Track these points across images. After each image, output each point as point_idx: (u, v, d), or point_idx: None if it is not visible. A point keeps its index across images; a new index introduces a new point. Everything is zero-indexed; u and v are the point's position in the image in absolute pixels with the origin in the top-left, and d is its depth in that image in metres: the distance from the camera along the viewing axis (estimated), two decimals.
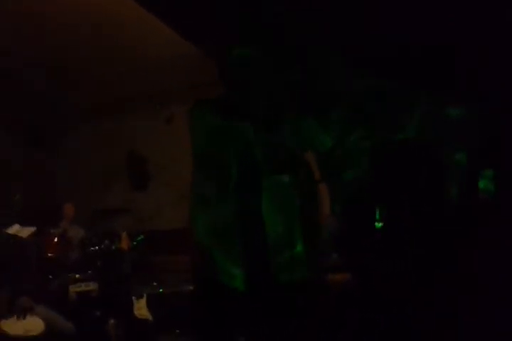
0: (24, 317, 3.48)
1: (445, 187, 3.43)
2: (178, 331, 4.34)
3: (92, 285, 4.52)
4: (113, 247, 4.92)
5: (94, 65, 5.28)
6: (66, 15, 4.35)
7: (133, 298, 4.29)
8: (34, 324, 3.49)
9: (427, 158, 3.47)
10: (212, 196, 2.07)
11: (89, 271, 4.71)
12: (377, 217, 3.36)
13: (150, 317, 4.32)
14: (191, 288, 4.50)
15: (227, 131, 2.03)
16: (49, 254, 4.77)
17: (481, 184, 3.49)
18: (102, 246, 4.91)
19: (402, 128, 3.55)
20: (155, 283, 4.79)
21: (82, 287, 4.48)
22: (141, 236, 5.02)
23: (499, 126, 3.42)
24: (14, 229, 4.48)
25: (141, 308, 4.27)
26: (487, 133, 3.46)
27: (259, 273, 2.02)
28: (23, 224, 4.59)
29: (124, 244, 4.89)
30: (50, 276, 4.59)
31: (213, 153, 2.02)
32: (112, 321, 4.21)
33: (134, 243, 4.95)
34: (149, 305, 4.31)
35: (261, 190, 2.12)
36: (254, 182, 2.09)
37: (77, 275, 4.58)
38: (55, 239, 4.90)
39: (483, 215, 3.34)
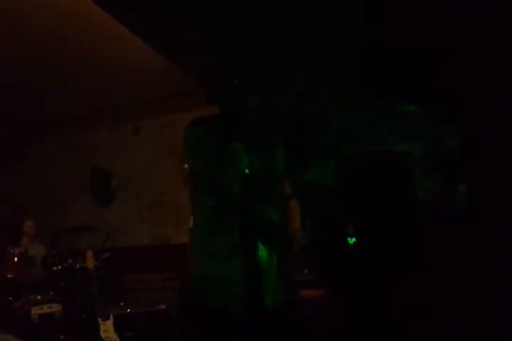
0: None
1: (417, 199, 3.52)
2: None
3: (56, 307, 4.46)
4: (77, 266, 4.87)
5: (60, 74, 5.22)
6: (32, 20, 4.27)
7: (99, 319, 4.24)
8: None
9: (398, 169, 3.56)
10: (212, 217, 2.13)
11: (52, 292, 4.65)
12: (350, 231, 3.42)
13: (117, 340, 4.27)
14: (162, 307, 4.48)
15: (227, 151, 2.11)
16: (9, 275, 4.69)
17: (455, 195, 3.59)
18: (66, 265, 4.85)
19: (371, 140, 3.65)
20: (122, 303, 4.74)
21: (45, 309, 4.42)
22: (107, 254, 4.96)
23: (474, 136, 3.52)
24: None
25: (107, 330, 4.22)
26: (461, 144, 3.57)
27: (257, 297, 2.06)
28: None
29: (89, 263, 4.82)
30: (11, 298, 4.52)
31: (213, 172, 2.08)
32: None
33: (100, 261, 4.88)
34: (116, 327, 4.27)
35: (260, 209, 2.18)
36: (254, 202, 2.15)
37: (39, 297, 4.52)
38: (15, 259, 4.82)
39: (457, 226, 3.43)
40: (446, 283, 3.24)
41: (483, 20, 3.13)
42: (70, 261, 4.86)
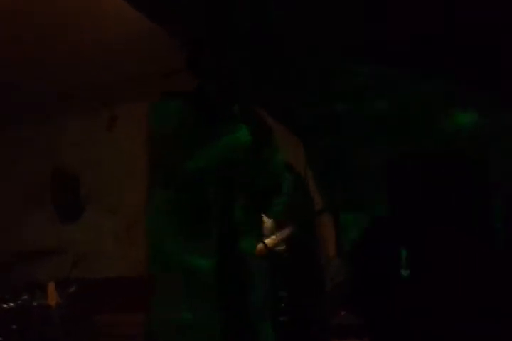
0: None
1: (493, 217, 3.55)
2: None
3: None
4: (34, 303, 4.92)
5: (11, 48, 5.29)
6: None
7: None
8: None
9: (470, 176, 3.59)
10: (180, 230, 2.17)
11: (1, 338, 4.69)
12: (403, 261, 3.47)
13: None
14: None
15: (206, 137, 2.14)
16: None
17: None
18: (19, 301, 4.90)
19: (433, 136, 3.69)
20: None
21: None
22: (74, 287, 5.02)
23: None
24: None
25: None
26: None
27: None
28: None
29: (51, 299, 4.89)
30: None
31: (184, 167, 2.11)
32: None
33: (64, 297, 4.94)
34: None
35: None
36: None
37: None
38: None
39: None
40: None
41: None
42: (25, 296, 4.91)
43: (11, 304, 4.88)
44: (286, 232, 4.76)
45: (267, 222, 4.87)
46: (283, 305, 4.33)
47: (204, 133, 2.15)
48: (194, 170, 2.08)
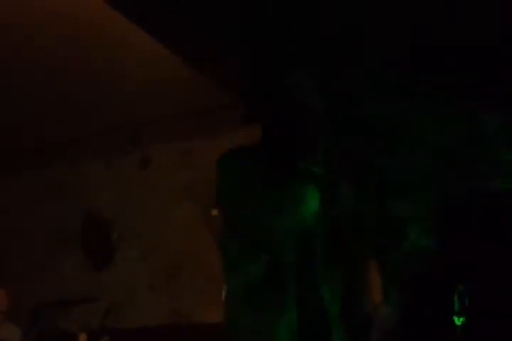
0: None
1: None
2: None
3: None
4: None
5: (38, 88, 5.35)
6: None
7: None
8: None
9: None
10: (256, 285, 2.09)
11: None
12: (457, 307, 3.27)
13: None
14: None
15: (280, 192, 2.07)
16: None
17: None
18: None
19: (489, 174, 3.53)
20: None
21: None
22: (107, 338, 4.92)
23: None
24: None
25: None
26: None
27: None
28: None
29: None
30: None
31: (259, 221, 2.07)
32: None
33: None
34: None
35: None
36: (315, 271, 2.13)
37: None
38: None
39: None
40: None
41: None
42: None
43: None
44: None
45: None
46: None
47: (271, 195, 2.11)
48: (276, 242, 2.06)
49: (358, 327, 3.55)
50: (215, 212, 2.29)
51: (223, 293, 2.22)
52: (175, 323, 5.70)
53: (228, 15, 3.32)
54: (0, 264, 6.45)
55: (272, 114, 2.19)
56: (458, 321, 3.25)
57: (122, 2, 3.80)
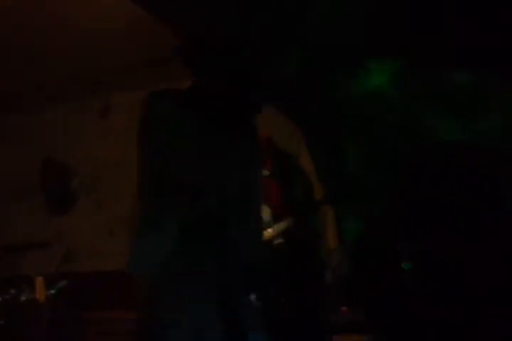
0: None
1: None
2: None
3: None
4: (23, 298, 4.87)
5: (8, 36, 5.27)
6: None
7: None
8: None
9: (476, 165, 3.53)
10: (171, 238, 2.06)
11: None
12: (404, 254, 3.42)
13: None
14: None
15: (205, 141, 2.01)
16: None
17: None
18: (7, 296, 4.86)
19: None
20: None
21: None
22: (64, 282, 4.96)
23: None
24: None
25: None
26: None
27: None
28: None
29: (40, 294, 4.85)
30: None
31: (179, 171, 1.99)
32: None
33: (54, 292, 4.89)
34: None
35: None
36: (245, 220, 2.09)
37: None
38: None
39: None
40: None
41: None
42: (12, 291, 4.86)
43: None
44: (283, 225, 4.67)
45: (264, 214, 4.79)
46: (282, 299, 4.25)
47: (205, 142, 2.03)
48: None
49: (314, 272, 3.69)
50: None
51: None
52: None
53: None
54: None
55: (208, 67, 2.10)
56: (406, 266, 3.41)
57: None
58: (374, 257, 3.64)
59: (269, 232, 4.65)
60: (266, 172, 4.10)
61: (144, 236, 2.07)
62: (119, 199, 5.96)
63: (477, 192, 3.46)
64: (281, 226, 4.66)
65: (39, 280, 4.93)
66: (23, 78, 6.11)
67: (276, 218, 4.76)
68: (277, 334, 2.39)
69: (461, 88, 3.55)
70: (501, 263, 3.41)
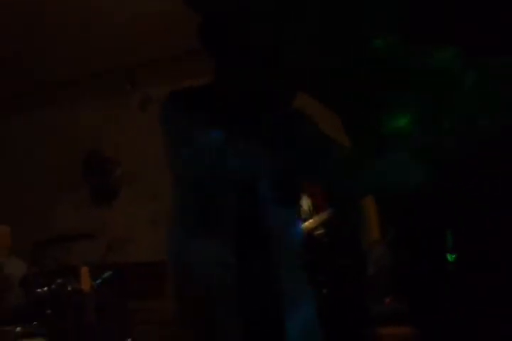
0: None
1: None
2: None
3: None
4: (68, 288, 4.93)
5: (39, 27, 5.33)
6: None
7: None
8: None
9: None
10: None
11: (36, 322, 4.73)
12: (449, 245, 3.38)
13: None
14: None
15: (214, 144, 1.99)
16: None
17: None
18: (53, 286, 4.92)
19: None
20: (129, 340, 4.80)
21: None
22: (109, 273, 5.01)
23: None
24: None
25: None
26: None
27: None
28: None
29: (85, 284, 4.90)
30: None
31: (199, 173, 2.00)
32: None
33: (99, 282, 4.95)
34: None
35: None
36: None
37: (18, 329, 4.60)
38: None
39: None
40: None
41: None
42: (59, 281, 4.92)
43: (45, 288, 4.91)
44: (324, 215, 4.67)
45: (305, 204, 4.78)
46: (323, 290, 4.25)
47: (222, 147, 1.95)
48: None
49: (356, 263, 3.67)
50: None
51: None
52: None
53: None
54: (3, 203, 6.53)
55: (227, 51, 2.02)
56: (450, 257, 3.37)
57: None
58: (417, 247, 3.61)
59: (310, 223, 4.65)
60: None
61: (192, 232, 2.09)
62: (161, 191, 6.00)
63: None
64: (322, 216, 4.66)
65: (84, 271, 4.98)
66: (66, 72, 6.20)
67: (316, 208, 4.76)
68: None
69: None
70: None
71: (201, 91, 2.10)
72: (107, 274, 5.04)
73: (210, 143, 1.92)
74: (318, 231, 4.64)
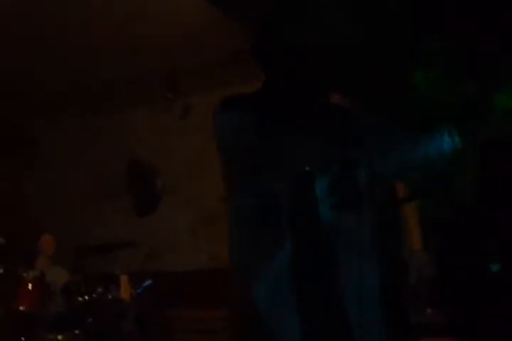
0: None
1: None
2: None
3: None
4: (109, 296, 4.96)
5: (83, 36, 5.39)
6: None
7: None
8: None
9: None
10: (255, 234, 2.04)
11: (77, 331, 4.75)
12: (493, 255, 3.29)
13: None
14: None
15: (272, 147, 1.97)
16: (20, 307, 4.83)
17: None
18: (94, 295, 4.95)
19: None
20: None
21: None
22: (149, 281, 5.04)
23: None
24: None
25: None
26: None
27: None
28: None
29: (125, 292, 4.92)
30: (23, 338, 4.64)
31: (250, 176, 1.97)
32: None
33: (139, 290, 4.96)
34: None
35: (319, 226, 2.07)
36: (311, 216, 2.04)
37: (60, 337, 4.62)
38: (29, 286, 4.96)
39: None
40: None
41: None
42: (99, 289, 4.95)
43: (86, 297, 4.94)
44: None
45: None
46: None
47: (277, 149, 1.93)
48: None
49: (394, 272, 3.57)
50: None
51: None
52: (214, 267, 5.69)
53: None
54: (47, 211, 6.64)
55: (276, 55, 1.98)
56: (494, 268, 3.29)
57: None
58: (460, 257, 3.52)
59: None
60: None
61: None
62: (201, 199, 6.02)
63: None
64: None
65: (124, 279, 5.02)
66: (110, 80, 6.25)
67: None
68: None
69: None
70: None
71: (252, 95, 2.08)
72: (147, 283, 5.06)
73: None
74: None
